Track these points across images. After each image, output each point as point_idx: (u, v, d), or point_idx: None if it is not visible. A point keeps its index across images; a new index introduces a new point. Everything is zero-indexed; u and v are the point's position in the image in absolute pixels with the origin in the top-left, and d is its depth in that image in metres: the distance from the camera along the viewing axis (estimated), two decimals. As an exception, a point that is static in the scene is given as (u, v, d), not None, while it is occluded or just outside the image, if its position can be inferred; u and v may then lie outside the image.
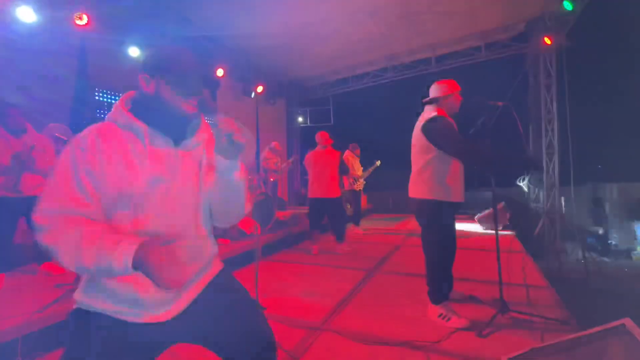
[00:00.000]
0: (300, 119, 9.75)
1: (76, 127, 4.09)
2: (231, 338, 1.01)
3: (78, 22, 4.35)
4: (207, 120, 0.94)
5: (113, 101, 4.91)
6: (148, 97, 0.96)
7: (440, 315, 2.27)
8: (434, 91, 2.38)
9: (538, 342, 1.87)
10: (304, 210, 6.68)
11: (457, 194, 2.25)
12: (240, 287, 1.13)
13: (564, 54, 6.11)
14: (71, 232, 0.81)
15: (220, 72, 6.50)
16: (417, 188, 2.31)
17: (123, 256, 0.78)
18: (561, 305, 2.44)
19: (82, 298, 0.93)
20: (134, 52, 5.11)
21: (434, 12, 6.06)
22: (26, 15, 3.90)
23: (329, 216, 4.34)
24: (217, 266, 1.13)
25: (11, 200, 2.72)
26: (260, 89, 7.76)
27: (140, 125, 0.92)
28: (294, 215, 5.67)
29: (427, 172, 2.25)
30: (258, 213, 4.77)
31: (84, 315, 0.92)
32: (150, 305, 0.93)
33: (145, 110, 0.95)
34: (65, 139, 2.71)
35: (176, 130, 0.97)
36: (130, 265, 0.78)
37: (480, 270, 3.28)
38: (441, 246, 2.29)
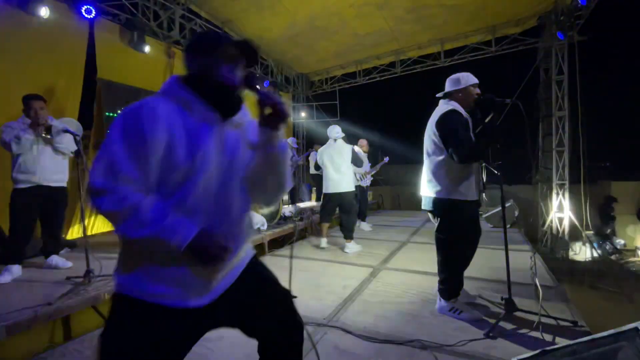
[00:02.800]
0: (306, 114, 9.71)
1: (84, 120, 4.13)
2: (267, 323, 1.08)
3: (87, 15, 4.35)
4: (252, 92, 0.99)
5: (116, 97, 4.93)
6: (196, 76, 0.98)
7: (451, 310, 2.27)
8: (447, 85, 2.34)
9: (548, 343, 1.85)
10: (310, 205, 6.69)
11: (471, 192, 2.22)
12: (272, 274, 1.18)
13: (576, 50, 5.98)
14: (133, 203, 0.83)
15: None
16: (431, 186, 2.28)
17: (182, 235, 0.84)
18: (571, 306, 2.42)
19: (122, 279, 0.94)
20: (141, 46, 5.10)
21: (443, 6, 5.96)
22: (41, 10, 3.91)
23: (342, 211, 4.32)
24: (251, 251, 1.17)
25: (35, 190, 2.79)
26: (266, 83, 7.73)
27: (193, 99, 0.94)
28: (301, 210, 5.67)
29: (441, 170, 2.21)
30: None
31: (123, 301, 0.93)
32: (193, 286, 0.94)
33: (195, 87, 0.96)
34: (78, 135, 2.73)
35: (223, 107, 0.98)
36: (182, 247, 0.84)
37: (489, 269, 3.25)
38: (455, 245, 2.27)
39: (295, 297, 1.17)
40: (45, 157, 2.85)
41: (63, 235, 4.02)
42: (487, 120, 2.16)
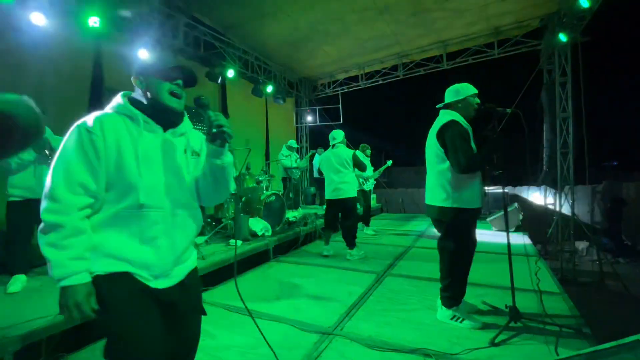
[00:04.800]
0: (309, 118, 9.76)
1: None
2: (181, 335, 1.22)
3: (92, 25, 4.43)
4: (201, 113, 1.18)
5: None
6: (142, 94, 1.16)
7: (453, 317, 2.29)
8: (447, 96, 2.37)
9: (552, 354, 1.87)
10: (315, 209, 6.73)
11: (475, 200, 2.24)
12: (200, 288, 1.35)
13: (579, 51, 5.96)
14: (60, 222, 0.98)
15: (230, 73, 6.54)
16: (437, 195, 2.31)
17: (64, 278, 0.98)
18: (575, 313, 2.42)
19: (96, 267, 1.06)
20: (145, 55, 5.18)
21: (445, 9, 5.98)
22: (39, 19, 3.98)
23: (343, 217, 4.29)
24: (195, 258, 1.31)
25: (31, 202, 2.82)
26: (269, 88, 7.79)
27: (137, 112, 1.12)
28: (305, 216, 5.70)
29: (445, 179, 2.24)
30: (268, 213, 4.81)
31: (102, 281, 1.05)
32: (153, 268, 1.10)
33: (140, 103, 1.15)
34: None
35: (164, 120, 1.16)
36: (58, 284, 0.99)
37: (492, 274, 3.26)
38: (459, 253, 2.28)
39: (205, 314, 1.30)
40: (42, 172, 2.89)
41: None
42: (488, 129, 2.19)
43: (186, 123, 1.24)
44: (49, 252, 0.98)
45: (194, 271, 1.27)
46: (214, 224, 4.73)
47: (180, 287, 1.17)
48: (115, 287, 1.05)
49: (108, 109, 1.14)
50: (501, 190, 2.41)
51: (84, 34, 4.48)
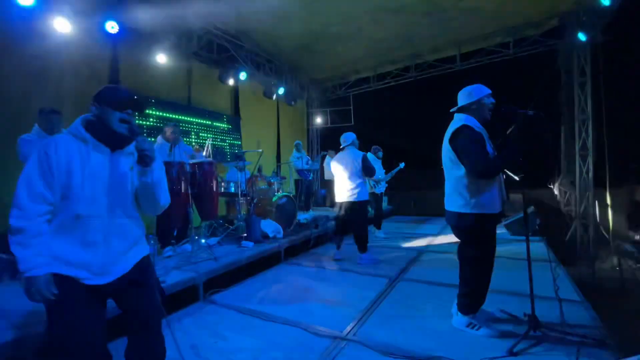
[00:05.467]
0: (320, 120, 9.75)
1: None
2: (134, 318, 1.43)
3: (110, 30, 4.53)
4: (133, 139, 1.37)
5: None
6: (96, 118, 1.36)
7: (469, 325, 2.23)
8: (460, 98, 2.30)
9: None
10: (325, 211, 6.70)
11: (495, 205, 2.17)
12: (153, 276, 1.53)
13: (599, 51, 5.78)
14: (24, 226, 1.20)
15: (243, 76, 6.59)
16: (454, 201, 2.24)
17: (28, 270, 1.21)
18: (597, 322, 2.33)
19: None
20: (161, 59, 5.28)
21: (460, 9, 5.88)
22: (62, 25, 4.10)
23: (351, 221, 4.22)
24: (144, 251, 1.51)
25: None
26: (281, 90, 7.81)
27: (88, 136, 1.32)
28: (315, 218, 5.68)
29: (462, 184, 2.17)
30: (280, 215, 4.82)
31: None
32: (93, 267, 1.31)
33: (93, 127, 1.35)
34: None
35: (113, 142, 1.36)
36: (24, 275, 1.21)
37: (510, 281, 3.16)
38: (481, 260, 2.22)
39: (165, 294, 1.47)
40: None
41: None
42: (508, 132, 2.12)
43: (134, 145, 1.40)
44: (16, 250, 1.21)
45: (140, 263, 1.46)
46: (227, 226, 4.76)
47: (121, 280, 1.38)
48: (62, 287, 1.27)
49: (67, 131, 1.35)
50: (519, 194, 2.33)
51: (102, 39, 4.60)
